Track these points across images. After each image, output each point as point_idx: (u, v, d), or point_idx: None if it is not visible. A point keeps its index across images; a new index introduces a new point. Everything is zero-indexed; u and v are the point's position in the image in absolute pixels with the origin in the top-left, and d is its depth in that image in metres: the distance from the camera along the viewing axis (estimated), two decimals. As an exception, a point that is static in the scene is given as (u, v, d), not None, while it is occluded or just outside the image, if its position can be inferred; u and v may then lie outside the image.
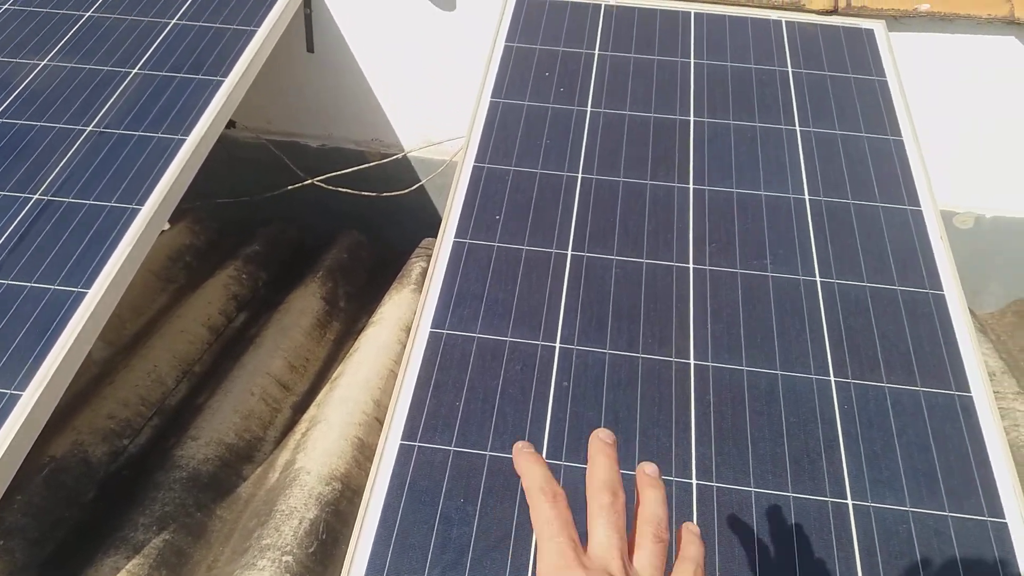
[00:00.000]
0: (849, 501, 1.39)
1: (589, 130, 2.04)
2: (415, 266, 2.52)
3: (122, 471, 1.83)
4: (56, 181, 1.91)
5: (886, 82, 2.18)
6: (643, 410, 1.51)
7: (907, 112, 2.10)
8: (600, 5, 2.38)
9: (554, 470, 1.40)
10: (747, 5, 2.39)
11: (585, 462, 1.42)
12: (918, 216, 1.86)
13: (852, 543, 1.34)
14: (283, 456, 1.88)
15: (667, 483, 1.39)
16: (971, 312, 2.62)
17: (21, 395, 1.51)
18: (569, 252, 1.78)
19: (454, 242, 1.80)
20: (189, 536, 1.67)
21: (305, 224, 2.86)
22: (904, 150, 2.01)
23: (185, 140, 2.01)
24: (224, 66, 2.22)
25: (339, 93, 2.80)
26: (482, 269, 1.75)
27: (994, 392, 2.10)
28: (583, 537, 0.81)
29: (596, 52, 2.24)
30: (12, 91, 2.14)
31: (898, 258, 1.77)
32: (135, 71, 2.20)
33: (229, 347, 2.29)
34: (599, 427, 1.49)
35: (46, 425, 1.84)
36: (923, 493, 1.40)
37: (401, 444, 1.46)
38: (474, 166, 1.95)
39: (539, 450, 1.44)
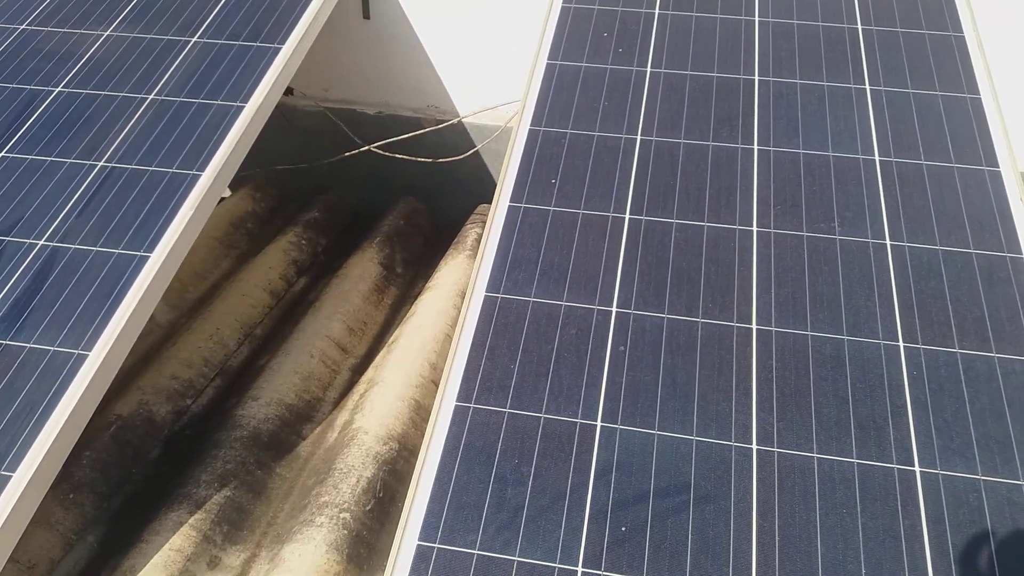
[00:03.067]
0: (917, 468, 1.34)
1: (649, 91, 1.99)
2: (471, 232, 2.51)
3: (185, 430, 1.88)
4: (120, 149, 1.94)
5: (963, 38, 2.07)
6: (702, 375, 1.48)
7: (986, 69, 2.00)
8: (660, -37, 2.31)
9: (609, 434, 1.38)
10: (814, -40, 2.30)
11: (642, 426, 1.40)
12: (996, 177, 1.78)
13: (919, 511, 1.29)
14: (342, 416, 1.91)
15: (726, 448, 1.37)
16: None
17: (88, 355, 1.55)
18: (627, 216, 1.75)
19: (509, 206, 1.78)
20: (249, 493, 1.70)
21: (363, 191, 2.87)
22: (982, 109, 1.91)
23: (244, 107, 2.03)
24: (281, 33, 2.23)
25: (395, 59, 2.79)
26: (537, 233, 1.73)
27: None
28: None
29: (656, 11, 2.18)
30: (77, 62, 2.18)
31: (974, 220, 1.70)
32: (195, 39, 2.22)
33: (289, 311, 2.32)
34: (656, 392, 1.47)
35: (112, 385, 1.90)
36: (996, 461, 1.35)
37: (456, 405, 1.46)
38: (530, 129, 1.92)
39: (594, 414, 1.43)
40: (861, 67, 2.01)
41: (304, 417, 1.92)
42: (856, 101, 1.93)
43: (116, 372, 1.60)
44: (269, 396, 1.89)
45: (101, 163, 1.91)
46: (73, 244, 1.74)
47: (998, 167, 1.78)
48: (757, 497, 1.31)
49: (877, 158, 1.81)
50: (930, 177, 1.77)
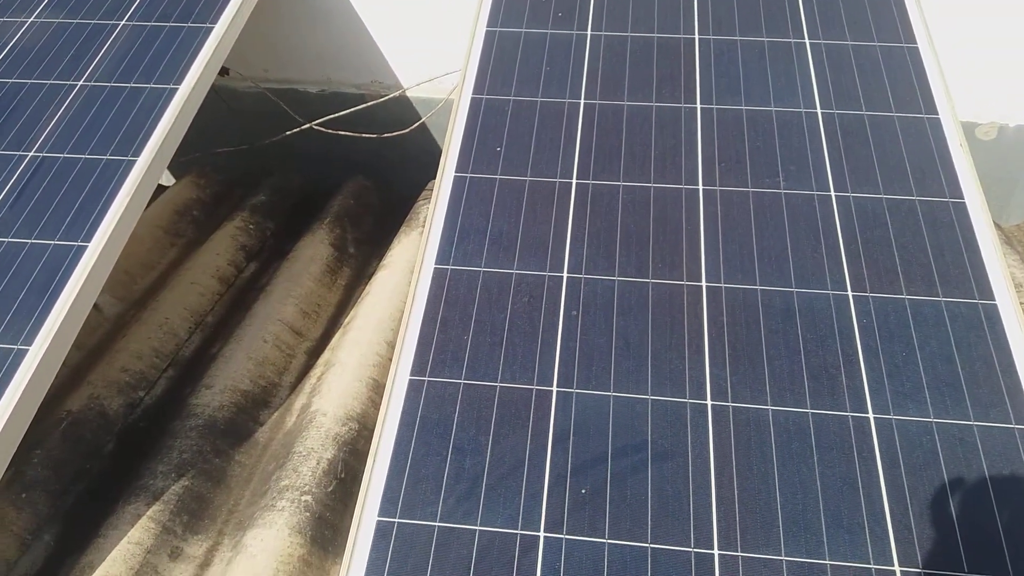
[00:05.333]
0: (870, 415, 1.36)
1: (590, 54, 1.97)
2: (422, 208, 2.48)
3: (139, 422, 1.84)
4: (50, 138, 1.88)
5: (899, -13, 2.08)
6: (655, 335, 1.48)
7: (922, 18, 2.01)
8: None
9: (565, 399, 1.38)
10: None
11: (597, 389, 1.40)
12: (935, 124, 1.79)
13: (874, 456, 1.31)
14: (299, 400, 1.88)
15: (681, 406, 1.37)
16: (997, 225, 2.55)
17: (28, 350, 1.50)
18: (574, 180, 1.73)
19: (455, 177, 1.76)
20: (208, 481, 1.67)
21: (311, 172, 2.82)
22: (919, 57, 1.93)
23: (177, 89, 1.97)
24: (213, 12, 2.17)
25: (336, 35, 2.73)
26: (485, 203, 1.71)
27: (1022, 303, 2.05)
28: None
29: (595, -27, 2.16)
30: (0, 50, 2.10)
31: (915, 168, 1.71)
32: (123, 22, 2.15)
33: (240, 297, 2.28)
34: (610, 354, 1.47)
35: (62, 381, 1.86)
36: (947, 403, 1.37)
37: (411, 379, 1.44)
38: (472, 98, 1.89)
39: (549, 380, 1.42)
40: (800, 21, 2.01)
41: (260, 403, 1.89)
42: (796, 55, 1.94)
43: (59, 366, 1.56)
44: (223, 384, 1.86)
45: (32, 153, 1.85)
46: (6, 238, 1.69)
47: (937, 114, 1.80)
48: (714, 452, 1.32)
49: (819, 111, 1.82)
50: (872, 127, 1.79)
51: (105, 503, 1.63)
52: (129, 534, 1.53)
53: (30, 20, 2.18)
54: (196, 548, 1.58)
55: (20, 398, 1.44)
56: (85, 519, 1.62)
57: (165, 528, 1.57)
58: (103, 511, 1.61)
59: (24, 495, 1.60)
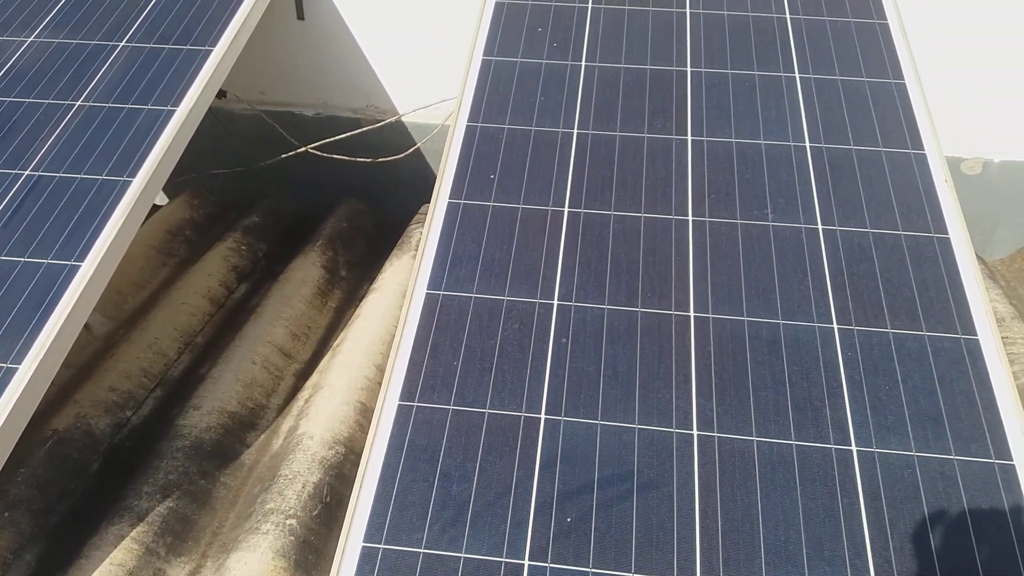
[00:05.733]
0: (853, 448, 1.37)
1: (584, 85, 2.00)
2: (415, 232, 2.50)
3: (126, 442, 1.84)
4: (47, 156, 1.89)
5: (887, 25, 2.12)
6: (643, 364, 1.49)
7: (909, 54, 2.05)
8: (593, -42, 2.32)
9: (553, 426, 1.39)
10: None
11: (585, 417, 1.41)
12: (922, 159, 1.82)
13: (856, 489, 1.32)
14: (286, 422, 1.88)
15: (667, 435, 1.38)
16: (980, 259, 2.58)
17: (18, 368, 1.50)
18: (566, 209, 1.75)
19: (448, 203, 1.78)
20: (193, 503, 1.67)
21: (305, 194, 2.84)
22: (907, 93, 1.96)
23: (175, 111, 1.99)
24: (212, 36, 2.19)
25: (332, 60, 2.76)
26: (477, 229, 1.73)
27: (1004, 337, 2.07)
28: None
29: (589, 5, 2.19)
30: None
31: (902, 202, 1.74)
32: (123, 44, 2.17)
33: (230, 318, 2.28)
34: (598, 382, 1.48)
35: (49, 400, 1.85)
36: (929, 437, 1.38)
37: (400, 404, 1.45)
38: (467, 126, 1.92)
39: (538, 407, 1.43)
40: (790, 56, 2.05)
41: (248, 425, 1.89)
42: (786, 89, 1.97)
43: (48, 385, 1.56)
44: (211, 405, 1.86)
45: (28, 172, 1.86)
46: (-1, 255, 1.69)
47: (923, 150, 1.83)
48: (699, 482, 1.33)
49: (808, 144, 1.85)
50: (859, 162, 1.81)
51: (89, 523, 1.63)
52: (112, 555, 1.53)
53: (30, 39, 2.20)
54: (179, 570, 1.57)
55: (7, 418, 1.44)
56: (68, 540, 1.61)
57: (148, 550, 1.56)
58: (87, 532, 1.61)
59: (7, 514, 1.59)
